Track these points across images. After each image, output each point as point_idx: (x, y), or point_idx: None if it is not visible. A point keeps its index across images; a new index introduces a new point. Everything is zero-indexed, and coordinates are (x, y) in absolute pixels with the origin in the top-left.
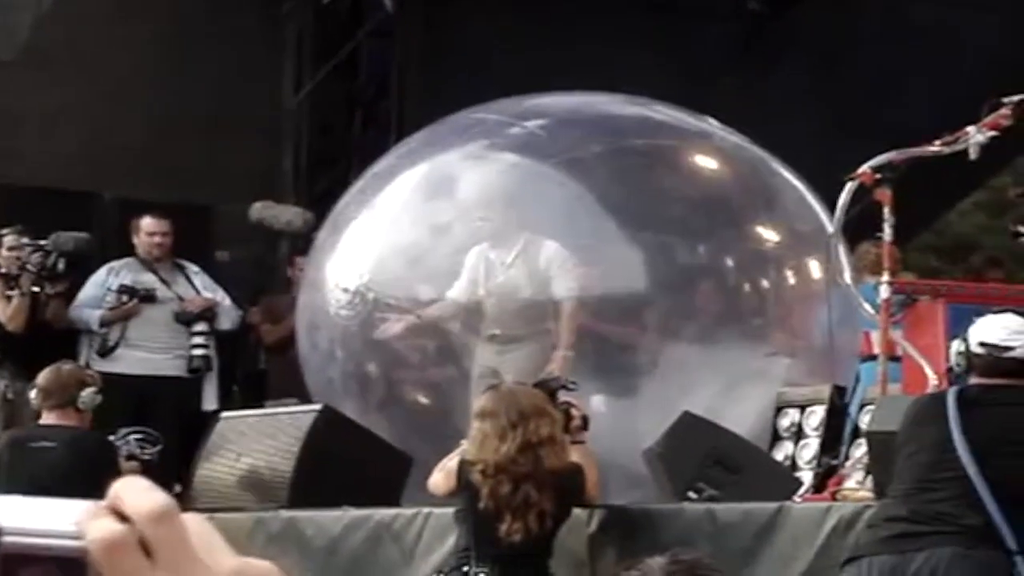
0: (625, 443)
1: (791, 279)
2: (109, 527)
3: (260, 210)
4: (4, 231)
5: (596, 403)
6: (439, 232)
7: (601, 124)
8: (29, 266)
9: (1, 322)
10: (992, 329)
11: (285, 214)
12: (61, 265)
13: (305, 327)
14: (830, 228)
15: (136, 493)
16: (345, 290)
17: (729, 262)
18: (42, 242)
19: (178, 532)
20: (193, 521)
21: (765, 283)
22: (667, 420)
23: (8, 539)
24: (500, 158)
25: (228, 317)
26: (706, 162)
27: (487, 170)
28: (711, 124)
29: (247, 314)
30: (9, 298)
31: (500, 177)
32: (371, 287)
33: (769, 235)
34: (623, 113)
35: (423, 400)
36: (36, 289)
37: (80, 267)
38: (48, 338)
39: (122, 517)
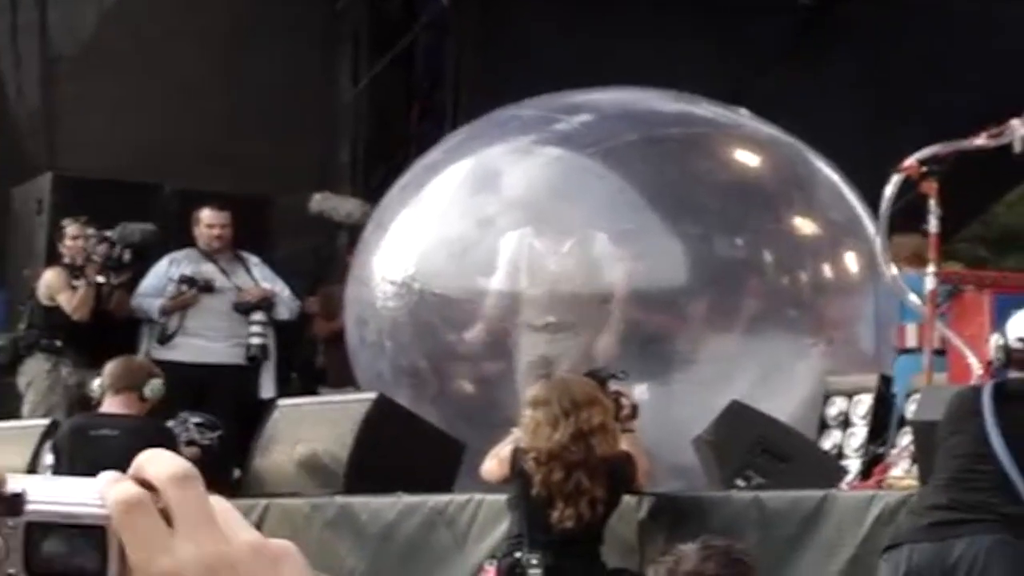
0: (668, 433)
1: (828, 270)
2: (128, 489)
3: (320, 202)
4: (67, 221)
5: (639, 392)
6: (484, 225)
7: (638, 116)
8: (95, 257)
9: (65, 311)
10: None
11: (345, 205)
12: (127, 256)
13: (354, 321)
14: (867, 218)
15: (157, 460)
16: (392, 282)
17: (767, 254)
18: (108, 233)
19: (198, 497)
20: (215, 499)
21: (803, 275)
22: (708, 410)
23: (32, 506)
24: (544, 152)
25: (286, 307)
26: (742, 152)
27: (531, 164)
28: (743, 115)
29: (305, 304)
30: (74, 288)
31: (544, 171)
32: (417, 278)
33: (806, 226)
34: (663, 107)
35: (473, 389)
36: (101, 280)
37: (144, 258)
38: (110, 327)
39: (144, 485)
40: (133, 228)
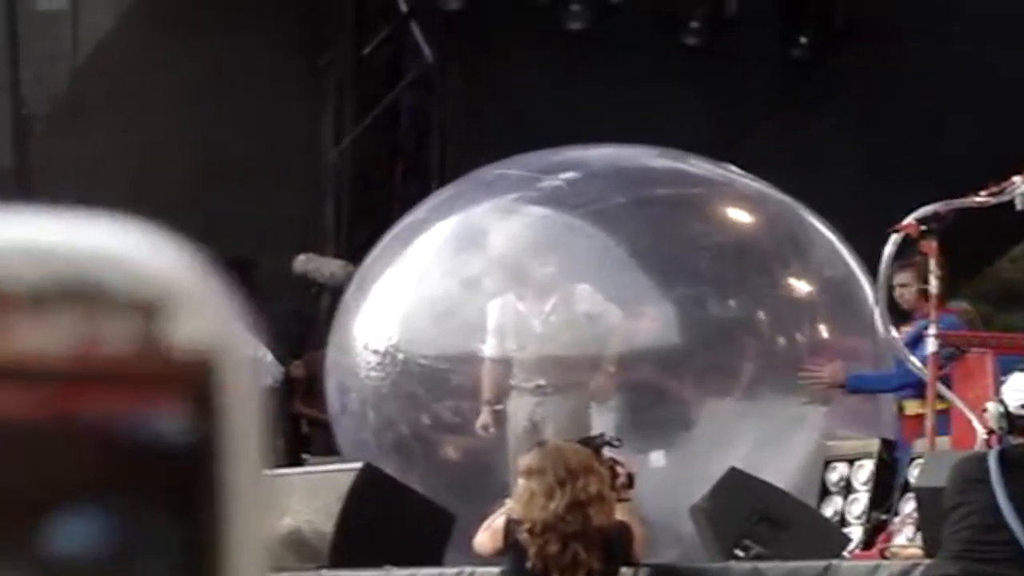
0: (664, 500)
1: (823, 329)
2: None
3: (304, 263)
4: None
5: (656, 458)
6: (469, 285)
7: (626, 175)
8: None
9: None
10: None
11: (328, 266)
12: None
13: (335, 389)
14: (862, 276)
15: None
16: (375, 351)
17: (762, 315)
18: None
19: None
20: None
21: (799, 335)
22: (706, 475)
23: None
24: (528, 211)
25: (268, 373)
26: (733, 211)
27: (516, 223)
28: (733, 171)
29: (289, 369)
30: None
31: (529, 230)
32: (400, 348)
33: (800, 285)
34: (651, 165)
35: (461, 459)
36: None
37: None
38: None
39: None
40: None
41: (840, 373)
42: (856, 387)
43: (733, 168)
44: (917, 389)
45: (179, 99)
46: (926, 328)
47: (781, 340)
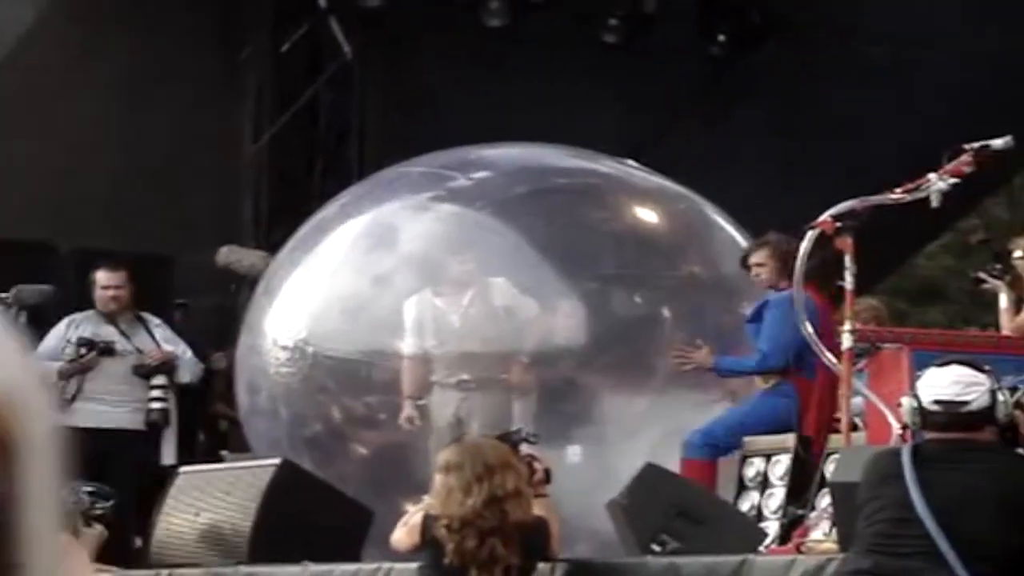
0: (580, 495)
1: (729, 323)
2: None
3: (226, 254)
4: None
5: (572, 453)
6: (380, 283)
7: (532, 172)
8: None
9: None
10: (944, 384)
11: (249, 257)
12: (22, 319)
13: (245, 389)
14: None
15: None
16: (284, 347)
17: (666, 310)
18: (2, 295)
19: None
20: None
21: (703, 331)
22: (621, 471)
23: None
24: (439, 208)
25: (188, 370)
26: (633, 202)
27: (426, 220)
28: (632, 165)
29: (211, 361)
30: None
31: (439, 226)
32: (310, 342)
33: (702, 280)
34: (558, 163)
35: (377, 455)
36: None
37: (40, 321)
38: None
39: None
40: (30, 290)
41: (708, 357)
42: (722, 370)
43: (638, 165)
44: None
45: (98, 95)
46: (766, 305)
47: (686, 335)
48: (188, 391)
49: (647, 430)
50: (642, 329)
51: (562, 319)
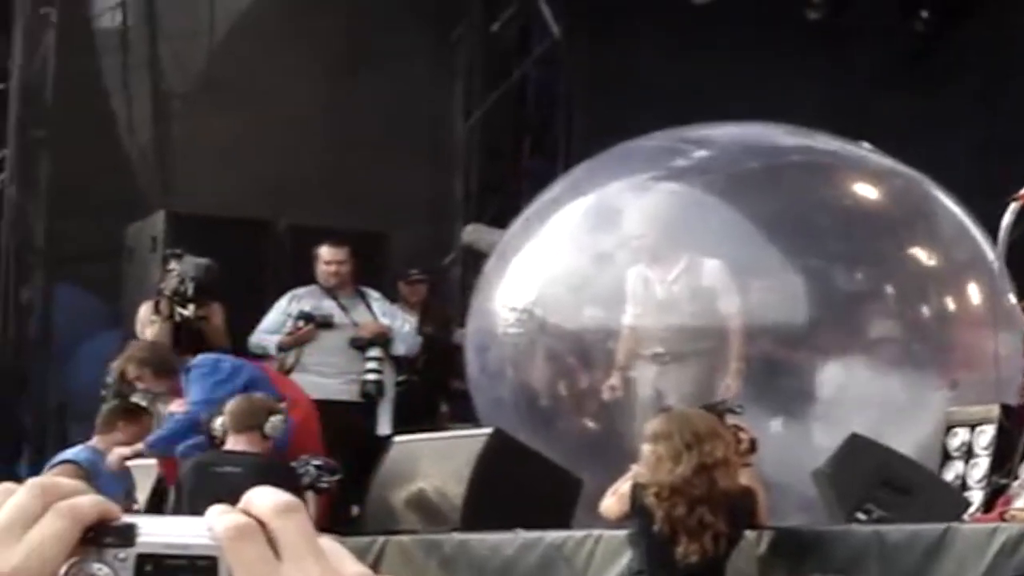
0: (791, 466)
1: (951, 304)
2: (237, 518)
3: (470, 233)
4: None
5: (770, 426)
6: (601, 260)
7: (759, 151)
8: (166, 291)
9: None
10: None
11: (492, 236)
12: (190, 290)
13: (475, 350)
14: (990, 250)
15: (262, 494)
16: (513, 309)
17: (889, 288)
18: (173, 266)
19: (302, 527)
20: (322, 538)
21: (925, 309)
22: (832, 444)
23: (143, 538)
24: (661, 187)
25: (404, 343)
26: (863, 181)
27: (649, 199)
28: (866, 148)
29: (454, 337)
30: (154, 323)
31: (661, 204)
32: (538, 306)
33: (928, 259)
34: (783, 141)
35: (592, 421)
36: (184, 313)
37: (209, 292)
38: None
39: (252, 517)
40: (190, 262)
41: None
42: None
43: (866, 144)
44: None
45: (313, 75)
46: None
47: (907, 314)
48: (433, 364)
49: (865, 403)
50: (862, 306)
51: (779, 295)
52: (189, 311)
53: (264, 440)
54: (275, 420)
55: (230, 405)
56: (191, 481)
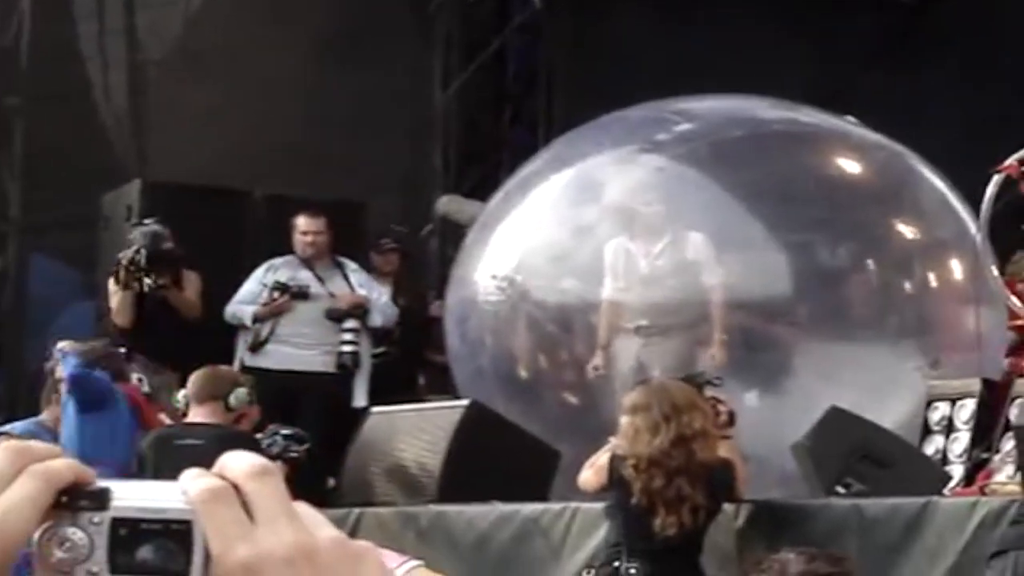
0: (771, 439)
1: (933, 279)
2: (210, 480)
3: (446, 203)
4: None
5: (749, 399)
6: (583, 233)
7: (743, 119)
8: (123, 260)
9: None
10: None
11: (470, 208)
12: (143, 259)
13: (455, 320)
14: (973, 225)
15: (236, 457)
16: (494, 277)
17: (871, 261)
18: (134, 236)
19: (276, 490)
20: (297, 503)
21: (907, 283)
22: (812, 417)
23: (117, 502)
24: (645, 161)
25: (382, 314)
26: (847, 158)
27: (632, 173)
28: (851, 122)
29: (431, 308)
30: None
31: (644, 179)
32: (519, 273)
33: (911, 233)
34: (766, 114)
35: (571, 393)
36: (148, 282)
37: (164, 260)
38: (205, 334)
39: (226, 481)
40: (140, 230)
41: None
42: None
43: (851, 119)
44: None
45: (290, 44)
46: None
47: (889, 288)
48: (409, 336)
49: (845, 379)
50: (844, 280)
51: (761, 269)
52: (151, 280)
53: (227, 412)
54: (240, 392)
55: (193, 376)
56: (153, 455)
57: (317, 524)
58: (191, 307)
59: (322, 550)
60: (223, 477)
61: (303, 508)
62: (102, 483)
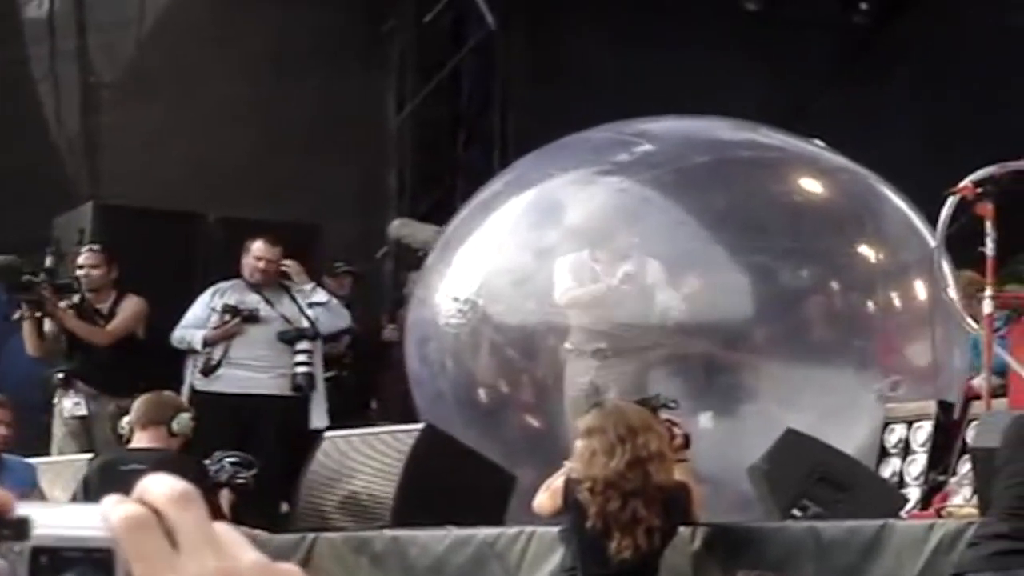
0: (728, 462)
1: (896, 301)
2: (130, 508)
3: (399, 227)
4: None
5: (704, 421)
6: (544, 255)
7: (706, 143)
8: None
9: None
10: None
11: (423, 232)
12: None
13: (415, 342)
14: (933, 243)
15: (157, 482)
16: (455, 299)
17: (834, 285)
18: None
19: (198, 517)
20: (219, 525)
21: (870, 305)
22: (770, 440)
23: (38, 531)
24: (606, 182)
25: (328, 318)
26: (810, 182)
27: (592, 195)
28: (816, 145)
29: (384, 333)
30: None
31: (605, 201)
32: (480, 296)
33: (873, 257)
34: (730, 135)
35: (532, 417)
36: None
37: (15, 288)
38: (152, 359)
39: (148, 507)
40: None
41: None
42: None
43: (817, 142)
44: None
45: (243, 67)
46: None
47: (851, 311)
48: (362, 360)
49: (805, 402)
50: (805, 303)
51: (719, 293)
52: (26, 311)
53: (171, 437)
54: (183, 417)
55: (136, 402)
56: (97, 479)
57: (239, 547)
58: (90, 333)
59: (245, 574)
60: (144, 502)
61: (224, 531)
62: (23, 511)
